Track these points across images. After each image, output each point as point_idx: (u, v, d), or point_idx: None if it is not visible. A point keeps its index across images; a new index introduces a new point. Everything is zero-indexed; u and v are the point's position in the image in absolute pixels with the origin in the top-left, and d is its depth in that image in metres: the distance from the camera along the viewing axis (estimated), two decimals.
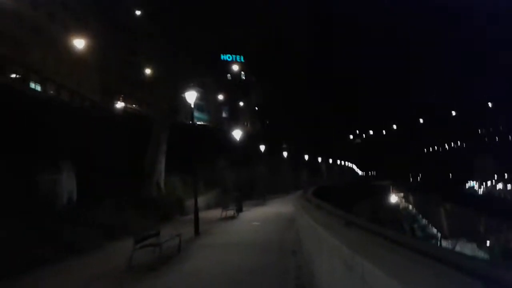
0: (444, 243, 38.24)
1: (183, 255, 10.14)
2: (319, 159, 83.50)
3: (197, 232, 13.95)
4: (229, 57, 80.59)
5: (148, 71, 43.51)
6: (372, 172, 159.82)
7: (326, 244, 4.56)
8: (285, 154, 51.71)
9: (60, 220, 12.31)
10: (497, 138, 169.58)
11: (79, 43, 39.76)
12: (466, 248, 34.26)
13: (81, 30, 38.10)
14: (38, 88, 37.65)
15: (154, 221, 17.10)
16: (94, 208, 14.38)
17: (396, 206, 69.75)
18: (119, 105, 49.72)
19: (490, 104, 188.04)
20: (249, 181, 38.00)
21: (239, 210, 23.21)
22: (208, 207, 26.74)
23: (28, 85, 35.64)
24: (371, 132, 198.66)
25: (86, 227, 12.55)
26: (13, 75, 34.25)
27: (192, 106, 14.95)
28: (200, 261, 9.42)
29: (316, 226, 5.61)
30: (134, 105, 51.85)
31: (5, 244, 9.33)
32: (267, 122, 73.84)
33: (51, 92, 38.45)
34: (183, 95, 14.98)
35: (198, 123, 58.11)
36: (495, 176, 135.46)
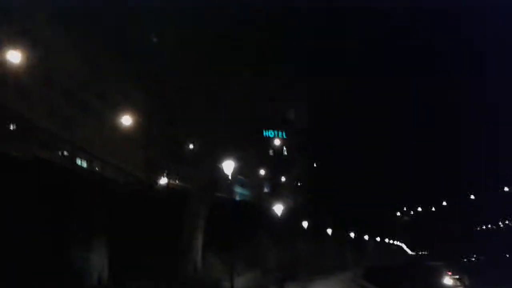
0: None
1: None
2: (366, 237, 79.71)
3: None
4: (271, 133, 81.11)
5: (190, 146, 43.72)
6: (423, 252, 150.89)
7: None
8: (329, 231, 49.32)
9: None
10: None
11: (126, 120, 40.80)
12: None
13: (127, 107, 39.20)
14: (85, 164, 38.37)
15: None
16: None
17: None
18: (163, 181, 49.84)
19: None
20: (292, 260, 35.89)
21: None
22: None
23: (75, 162, 36.41)
24: (419, 209, 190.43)
25: None
26: (61, 153, 35.11)
27: (230, 177, 14.11)
28: None
29: None
30: (177, 181, 51.84)
31: None
32: (311, 198, 71.99)
33: (96, 168, 39.06)
34: (221, 167, 14.24)
35: (238, 198, 57.26)
36: None
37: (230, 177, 14.11)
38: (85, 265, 13.56)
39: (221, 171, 14.75)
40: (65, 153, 35.69)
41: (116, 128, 39.00)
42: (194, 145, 30.60)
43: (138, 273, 15.10)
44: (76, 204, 16.36)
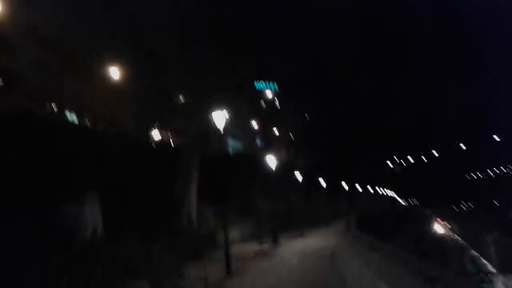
0: (499, 278, 34.96)
1: None
2: (358, 187, 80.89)
3: (228, 272, 12.46)
4: (262, 85, 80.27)
5: (180, 98, 43.03)
6: (414, 200, 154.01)
7: None
8: (322, 182, 49.74)
9: (79, 258, 11.17)
10: None
11: (114, 72, 39.92)
12: None
13: (115, 60, 38.15)
14: (75, 118, 37.76)
15: (184, 257, 15.80)
16: (118, 244, 13.21)
17: (441, 237, 65.82)
18: (154, 133, 49.47)
19: None
20: (285, 211, 36.29)
21: (275, 242, 21.67)
22: (243, 239, 25.27)
23: (64, 114, 35.77)
24: (410, 158, 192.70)
25: (106, 265, 11.35)
26: (50, 104, 34.41)
27: (221, 129, 13.74)
28: None
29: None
30: (169, 133, 51.49)
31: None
32: (303, 149, 72.19)
33: (87, 121, 38.50)
34: (212, 118, 13.84)
35: (231, 150, 57.24)
36: None
37: (221, 129, 13.72)
38: (77, 220, 13.36)
39: (211, 122, 14.36)
40: (54, 105, 35.04)
41: (104, 81, 38.23)
42: (184, 97, 29.98)
43: (132, 226, 14.99)
44: (66, 158, 16.04)
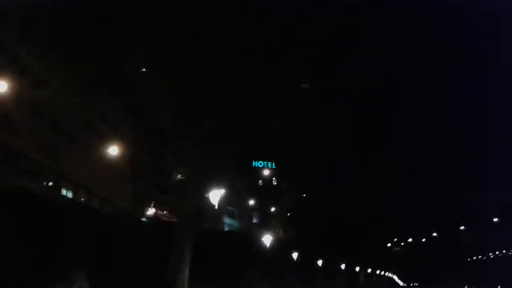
0: None
1: None
2: (357, 268, 78.70)
3: None
4: (260, 164, 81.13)
5: (178, 176, 43.30)
6: (415, 283, 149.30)
7: None
8: (319, 262, 48.54)
9: None
10: None
11: (113, 150, 40.34)
12: None
13: (114, 138, 38.91)
14: (70, 195, 37.64)
15: None
16: None
17: None
18: (150, 212, 49.03)
19: None
20: None
21: None
22: None
23: (60, 192, 35.71)
24: (410, 239, 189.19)
25: None
26: (46, 182, 34.47)
27: (216, 207, 13.78)
28: None
29: None
30: (164, 212, 51.09)
31: None
32: (300, 228, 71.19)
33: (82, 199, 38.31)
34: (208, 197, 13.94)
35: (227, 229, 56.41)
36: None
37: (216, 207, 13.76)
38: None
39: (207, 201, 14.42)
40: (50, 183, 35.07)
41: (102, 159, 38.66)
42: (181, 175, 30.23)
43: None
44: (59, 236, 15.89)
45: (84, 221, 19.24)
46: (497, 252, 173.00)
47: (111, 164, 42.33)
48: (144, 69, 25.37)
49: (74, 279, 13.58)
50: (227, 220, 63.06)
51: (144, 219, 39.00)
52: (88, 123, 39.61)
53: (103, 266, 16.14)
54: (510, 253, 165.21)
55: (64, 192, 36.72)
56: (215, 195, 13.41)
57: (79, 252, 15.32)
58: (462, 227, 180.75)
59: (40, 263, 13.36)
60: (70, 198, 36.26)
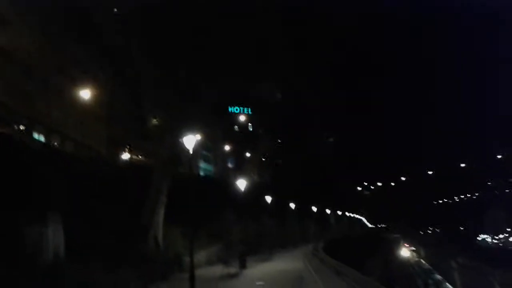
0: None
1: None
2: (328, 211, 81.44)
3: None
4: (236, 109, 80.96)
5: (153, 121, 42.96)
6: (382, 225, 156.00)
7: None
8: (292, 205, 50.01)
9: (40, 280, 10.99)
10: (507, 190, 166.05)
11: (85, 94, 39.60)
12: None
13: (88, 82, 38.02)
14: (42, 139, 37.07)
15: (149, 280, 15.70)
16: (80, 267, 13.05)
17: (408, 260, 66.89)
18: (125, 156, 48.97)
19: (499, 156, 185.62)
20: (255, 234, 36.28)
21: (243, 266, 21.64)
22: (210, 262, 25.18)
23: (32, 136, 35.13)
24: (379, 183, 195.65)
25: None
26: (17, 127, 33.76)
27: (191, 152, 13.91)
28: None
29: None
30: (140, 156, 51.04)
31: None
32: (275, 173, 72.52)
33: (55, 143, 37.83)
34: (180, 138, 14.02)
35: (202, 174, 57.07)
36: (508, 229, 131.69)
37: (191, 152, 13.88)
38: (40, 241, 13.18)
39: (183, 145, 14.50)
40: (22, 127, 34.39)
41: (76, 103, 37.93)
42: (156, 120, 30.01)
43: (97, 250, 14.83)
44: (32, 179, 15.87)
45: (57, 165, 19.22)
46: (462, 196, 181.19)
47: (86, 109, 41.61)
48: (115, 10, 24.56)
49: (48, 221, 13.68)
50: (202, 165, 63.62)
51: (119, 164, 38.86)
52: (61, 68, 38.39)
53: (78, 209, 16.29)
54: (474, 197, 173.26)
55: (36, 136, 36.17)
56: (190, 140, 13.48)
57: (54, 196, 15.35)
58: (430, 172, 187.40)
59: (13, 205, 13.40)
60: (43, 142, 35.82)
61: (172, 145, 20.69)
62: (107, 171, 24.29)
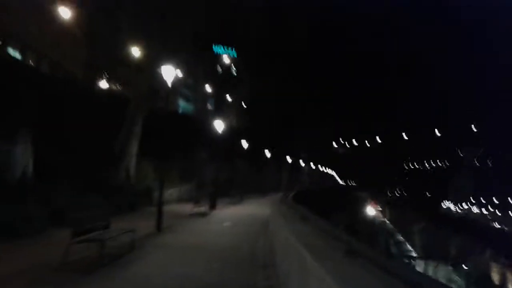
0: (419, 263, 37.26)
1: (132, 256, 8.53)
2: (302, 163, 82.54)
3: (158, 228, 12.37)
4: (221, 49, 79.39)
5: (133, 51, 41.70)
6: (352, 182, 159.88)
7: (317, 280, 3.10)
8: (268, 154, 50.31)
9: (6, 197, 10.72)
10: (476, 161, 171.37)
11: (64, 12, 37.85)
12: (441, 270, 33.34)
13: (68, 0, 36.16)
14: (17, 55, 35.65)
15: (117, 210, 15.59)
16: (49, 188, 12.81)
17: (373, 219, 69.08)
18: (103, 83, 47.82)
19: (473, 126, 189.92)
20: (228, 177, 36.55)
21: (213, 207, 21.80)
22: (181, 199, 25.34)
23: (6, 50, 33.67)
24: (354, 142, 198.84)
25: (34, 208, 11.00)
26: None
27: (169, 84, 13.42)
28: (149, 267, 7.74)
29: (303, 251, 4.00)
30: (117, 86, 49.91)
31: None
32: (253, 119, 72.38)
33: (30, 61, 36.45)
34: (160, 71, 13.46)
35: (181, 111, 56.47)
36: (471, 199, 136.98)
37: (169, 85, 13.38)
38: (8, 158, 12.80)
39: (161, 78, 13.97)
40: None
41: (54, 21, 36.16)
42: (138, 50, 29.00)
43: (66, 174, 14.55)
44: (3, 95, 15.22)
45: (31, 83, 18.45)
46: (431, 163, 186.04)
47: (64, 29, 39.93)
48: None
49: (18, 139, 13.24)
50: (182, 103, 62.84)
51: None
52: None
53: (50, 132, 15.83)
54: (444, 166, 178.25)
55: (11, 51, 34.76)
56: (169, 72, 12.93)
57: (25, 115, 14.80)
58: (405, 137, 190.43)
59: None
60: (18, 59, 34.50)
61: (150, 76, 20.05)
62: (82, 96, 23.55)
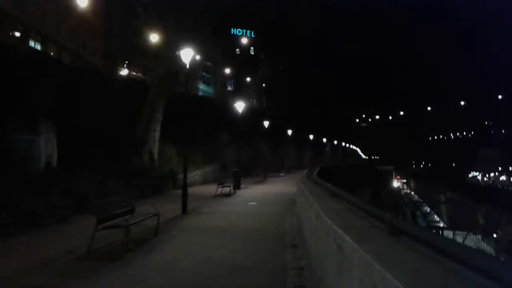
0: (448, 234, 36.70)
1: (157, 241, 8.45)
2: (324, 140, 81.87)
3: (184, 210, 12.34)
4: (239, 32, 78.87)
5: (153, 37, 41.66)
6: (376, 157, 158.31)
7: (360, 265, 2.82)
8: (289, 132, 49.92)
9: (30, 187, 10.83)
10: (503, 130, 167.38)
11: (82, 1, 37.94)
12: (470, 240, 32.78)
13: None
14: (39, 47, 36.03)
15: (142, 194, 15.69)
16: (73, 176, 12.90)
17: (398, 192, 68.36)
18: (123, 72, 48.10)
19: (500, 96, 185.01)
20: (250, 157, 36.49)
21: (237, 187, 21.77)
22: (205, 181, 25.41)
23: (28, 43, 34.02)
24: (377, 117, 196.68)
25: (58, 196, 11.08)
26: (12, 32, 32.57)
27: (187, 66, 13.24)
28: (175, 252, 7.58)
29: (338, 232, 3.66)
30: (138, 73, 50.15)
31: None
32: (274, 99, 71.84)
33: (52, 53, 36.79)
34: (178, 55, 13.28)
35: (201, 95, 56.45)
36: (499, 168, 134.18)
37: (188, 66, 13.20)
38: (31, 148, 12.91)
39: (180, 62, 13.80)
40: (17, 33, 33.23)
41: (72, 11, 36.24)
42: (156, 36, 28.87)
43: (90, 161, 14.65)
44: (26, 87, 15.36)
45: (53, 74, 18.58)
46: (457, 134, 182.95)
47: (82, 18, 40.10)
48: None
49: (41, 129, 13.33)
50: (201, 86, 62.78)
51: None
52: None
53: (73, 121, 15.95)
54: (469, 135, 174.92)
55: (32, 44, 35.13)
56: (187, 54, 12.75)
57: (48, 105, 14.91)
58: (428, 108, 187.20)
59: (5, 111, 13.00)
60: (39, 50, 34.85)
61: (168, 60, 19.87)
62: (103, 84, 23.67)
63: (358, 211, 4.52)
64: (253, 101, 70.25)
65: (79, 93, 18.59)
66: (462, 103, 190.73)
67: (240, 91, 65.37)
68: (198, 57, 26.02)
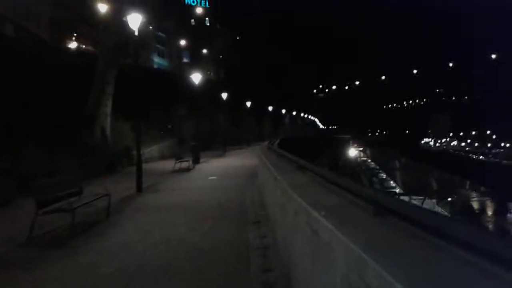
0: (404, 199, 37.71)
1: (109, 224, 7.78)
2: (283, 111, 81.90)
3: (139, 188, 11.63)
4: (193, 1, 76.76)
5: (101, 7, 39.43)
6: (333, 126, 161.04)
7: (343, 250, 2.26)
8: (248, 104, 49.28)
9: None
10: (454, 97, 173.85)
11: None
12: (426, 204, 33.89)
13: None
14: None
15: (96, 173, 14.80)
16: (16, 154, 11.87)
17: (355, 159, 69.70)
18: (72, 44, 45.58)
19: (451, 64, 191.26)
20: (209, 131, 35.76)
21: (196, 161, 21.13)
22: (163, 157, 24.63)
23: None
24: (334, 87, 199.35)
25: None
26: None
27: (136, 33, 12.27)
28: (129, 234, 6.94)
29: (313, 212, 3.06)
30: (88, 46, 47.65)
31: None
32: (232, 71, 70.72)
33: None
34: (126, 20, 12.27)
35: (156, 67, 54.64)
36: (451, 134, 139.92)
37: (136, 33, 12.22)
38: None
39: (130, 31, 12.78)
40: None
41: None
42: (104, 6, 27.20)
43: (34, 136, 13.57)
44: None
45: None
46: (410, 102, 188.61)
47: None
48: None
49: None
50: (156, 59, 60.78)
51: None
52: None
53: (18, 94, 14.76)
54: (422, 103, 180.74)
55: None
56: (135, 20, 11.78)
57: None
58: (383, 77, 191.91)
59: None
60: None
61: (117, 29, 18.63)
62: (50, 58, 22.11)
63: (330, 185, 4.02)
64: (210, 73, 68.85)
65: (23, 66, 17.22)
66: (415, 71, 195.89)
67: (197, 63, 63.72)
68: (150, 27, 24.72)
